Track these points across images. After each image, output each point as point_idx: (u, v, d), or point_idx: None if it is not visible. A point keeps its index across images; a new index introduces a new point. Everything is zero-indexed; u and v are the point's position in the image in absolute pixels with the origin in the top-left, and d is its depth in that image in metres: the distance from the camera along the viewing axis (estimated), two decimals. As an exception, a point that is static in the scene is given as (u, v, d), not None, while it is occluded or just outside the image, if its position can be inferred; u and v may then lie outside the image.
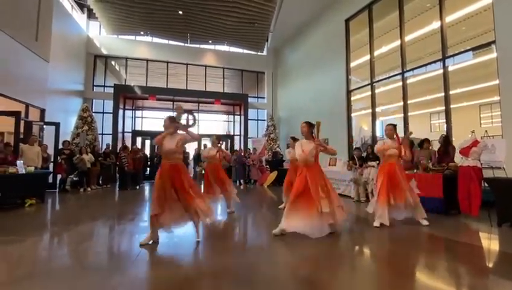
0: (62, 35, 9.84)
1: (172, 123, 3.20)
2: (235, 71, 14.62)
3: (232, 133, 14.43)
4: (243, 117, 13.23)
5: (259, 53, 14.73)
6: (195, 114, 13.73)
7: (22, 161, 5.84)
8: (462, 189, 4.29)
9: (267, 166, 11.51)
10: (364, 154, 6.56)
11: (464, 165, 4.33)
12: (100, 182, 9.23)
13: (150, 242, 3.03)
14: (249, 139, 12.90)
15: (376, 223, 3.82)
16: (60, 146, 8.30)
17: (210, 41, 13.77)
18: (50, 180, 7.48)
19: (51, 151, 7.95)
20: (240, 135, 13.74)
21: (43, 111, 8.53)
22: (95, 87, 12.43)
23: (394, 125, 4.11)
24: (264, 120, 14.44)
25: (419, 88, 8.75)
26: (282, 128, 13.79)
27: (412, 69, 7.40)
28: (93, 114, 11.31)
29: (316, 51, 11.03)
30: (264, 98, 14.75)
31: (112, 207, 5.98)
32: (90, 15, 12.07)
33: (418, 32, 7.80)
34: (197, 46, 13.89)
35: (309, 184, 3.30)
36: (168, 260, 2.74)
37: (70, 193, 7.73)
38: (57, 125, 8.33)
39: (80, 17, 11.86)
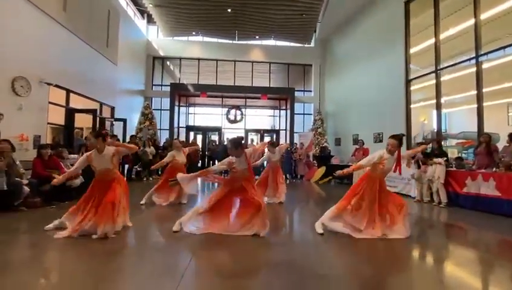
0: (127, 40, 10.92)
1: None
2: (281, 65, 14.54)
3: (278, 128, 14.47)
4: (289, 111, 13.14)
5: (306, 45, 14.37)
6: (243, 109, 14.13)
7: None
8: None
9: (315, 161, 11.29)
10: (429, 150, 5.99)
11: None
12: (159, 172, 10.10)
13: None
14: (295, 134, 12.78)
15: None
16: (127, 140, 9.31)
17: (257, 37, 13.89)
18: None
19: (120, 144, 8.98)
20: (285, 130, 13.69)
21: (113, 109, 9.66)
22: (153, 86, 13.60)
23: (400, 139, 3.39)
24: (310, 114, 14.12)
25: (495, 74, 7.59)
26: (329, 122, 13.33)
27: (487, 53, 6.46)
28: (153, 111, 12.39)
29: (369, 39, 10.32)
30: (310, 91, 14.40)
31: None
32: (150, 20, 13.15)
33: (494, 10, 6.75)
34: (244, 42, 14.13)
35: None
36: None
37: (135, 181, 8.63)
38: (124, 121, 9.38)
39: (140, 22, 13.01)
